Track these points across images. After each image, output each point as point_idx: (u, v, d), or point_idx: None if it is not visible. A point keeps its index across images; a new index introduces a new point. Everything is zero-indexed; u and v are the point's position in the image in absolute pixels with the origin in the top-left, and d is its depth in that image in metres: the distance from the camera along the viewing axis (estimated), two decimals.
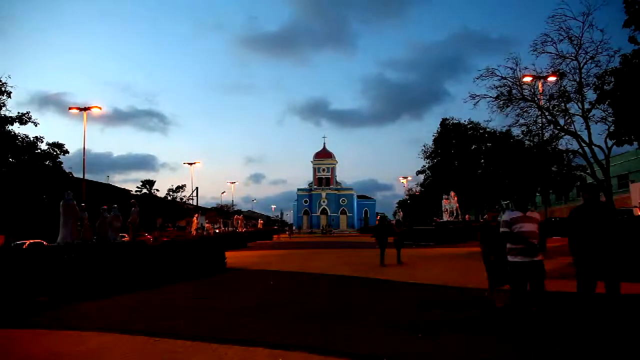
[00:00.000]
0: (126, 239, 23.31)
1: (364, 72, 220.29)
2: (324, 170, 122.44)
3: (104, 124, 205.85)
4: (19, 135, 29.27)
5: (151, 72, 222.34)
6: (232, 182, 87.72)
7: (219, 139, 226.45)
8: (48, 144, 31.32)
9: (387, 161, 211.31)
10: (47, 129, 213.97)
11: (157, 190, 59.75)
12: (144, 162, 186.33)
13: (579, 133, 26.42)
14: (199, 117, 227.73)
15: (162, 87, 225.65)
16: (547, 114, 27.54)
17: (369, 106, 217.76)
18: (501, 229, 5.70)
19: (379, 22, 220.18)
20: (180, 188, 60.72)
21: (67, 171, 34.47)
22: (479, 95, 28.57)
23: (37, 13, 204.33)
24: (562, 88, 26.82)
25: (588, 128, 25.86)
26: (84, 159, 32.80)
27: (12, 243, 22.57)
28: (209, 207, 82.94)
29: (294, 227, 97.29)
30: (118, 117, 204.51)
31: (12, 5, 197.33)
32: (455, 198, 33.31)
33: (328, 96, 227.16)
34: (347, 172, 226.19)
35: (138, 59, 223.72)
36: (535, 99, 27.10)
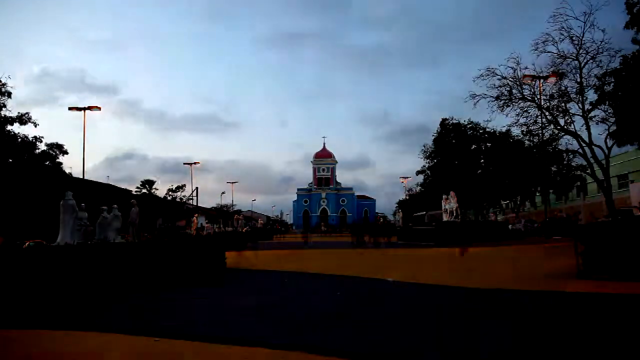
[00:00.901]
0: (127, 238, 23.26)
1: (436, 86, 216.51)
2: (323, 170, 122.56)
3: (172, 129, 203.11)
4: (19, 135, 29.32)
5: (227, 80, 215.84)
6: (232, 182, 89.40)
7: (270, 146, 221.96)
8: (47, 144, 31.41)
9: (415, 164, 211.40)
10: (122, 132, 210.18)
11: (156, 189, 59.76)
12: (178, 164, 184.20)
13: (579, 133, 26.43)
14: (258, 124, 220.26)
15: (235, 95, 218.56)
16: (547, 114, 27.50)
17: (427, 116, 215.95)
18: None
19: (467, 45, 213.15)
20: (180, 188, 60.70)
21: (67, 171, 34.59)
22: (479, 95, 28.60)
23: (119, 27, 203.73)
24: (563, 88, 26.79)
25: (588, 128, 25.86)
26: (83, 159, 33.09)
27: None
28: (210, 208, 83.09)
29: (293, 227, 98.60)
30: (183, 122, 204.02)
31: (110, 20, 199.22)
32: (455, 198, 33.24)
33: (393, 108, 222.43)
34: (380, 176, 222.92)
35: (213, 68, 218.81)
36: (536, 98, 27.08)
